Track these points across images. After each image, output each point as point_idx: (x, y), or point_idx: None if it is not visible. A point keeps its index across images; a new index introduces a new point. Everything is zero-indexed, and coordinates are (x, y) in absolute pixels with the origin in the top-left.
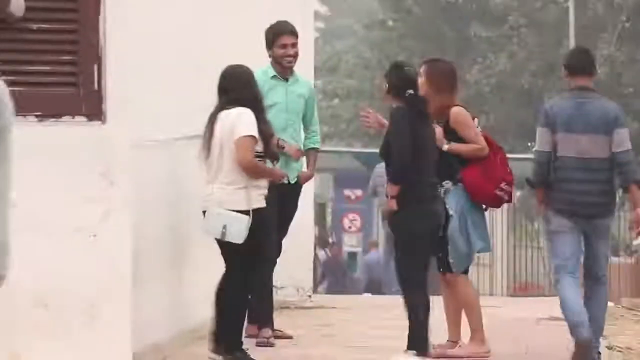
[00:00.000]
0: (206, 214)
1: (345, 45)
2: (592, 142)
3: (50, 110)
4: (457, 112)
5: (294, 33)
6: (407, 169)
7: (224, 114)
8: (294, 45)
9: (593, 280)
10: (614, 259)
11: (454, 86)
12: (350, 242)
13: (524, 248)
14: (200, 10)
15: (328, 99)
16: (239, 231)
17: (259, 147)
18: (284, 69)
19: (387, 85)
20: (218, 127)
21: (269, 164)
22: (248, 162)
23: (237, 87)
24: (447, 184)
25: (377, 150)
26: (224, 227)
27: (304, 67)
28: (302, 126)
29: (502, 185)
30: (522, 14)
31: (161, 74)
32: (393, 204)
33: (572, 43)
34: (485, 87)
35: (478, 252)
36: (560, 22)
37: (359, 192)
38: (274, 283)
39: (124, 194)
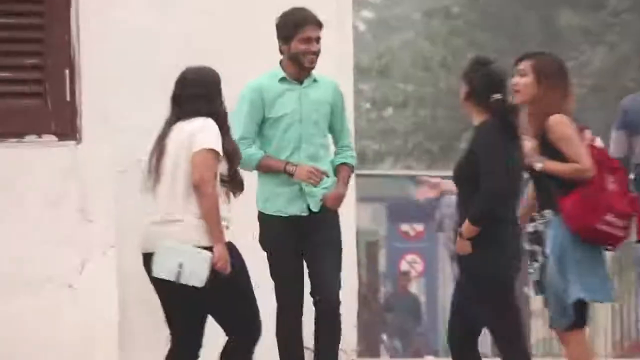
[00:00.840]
0: (157, 251)
1: (401, 40)
2: None
3: (10, 128)
4: (558, 120)
5: (319, 24)
6: (499, 209)
7: (177, 128)
8: (319, 40)
9: None
10: None
11: (567, 89)
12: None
13: (633, 296)
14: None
15: (378, 108)
16: (198, 270)
17: (224, 171)
18: (302, 70)
19: (467, 88)
20: (171, 145)
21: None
22: (205, 183)
23: (197, 95)
24: (549, 213)
25: (445, 173)
26: (180, 265)
27: (341, 69)
28: (326, 141)
29: (608, 217)
30: None
31: (150, 82)
32: (467, 247)
33: None
34: (580, 89)
35: (582, 301)
36: None
37: (420, 227)
38: (306, 344)
39: (105, 234)
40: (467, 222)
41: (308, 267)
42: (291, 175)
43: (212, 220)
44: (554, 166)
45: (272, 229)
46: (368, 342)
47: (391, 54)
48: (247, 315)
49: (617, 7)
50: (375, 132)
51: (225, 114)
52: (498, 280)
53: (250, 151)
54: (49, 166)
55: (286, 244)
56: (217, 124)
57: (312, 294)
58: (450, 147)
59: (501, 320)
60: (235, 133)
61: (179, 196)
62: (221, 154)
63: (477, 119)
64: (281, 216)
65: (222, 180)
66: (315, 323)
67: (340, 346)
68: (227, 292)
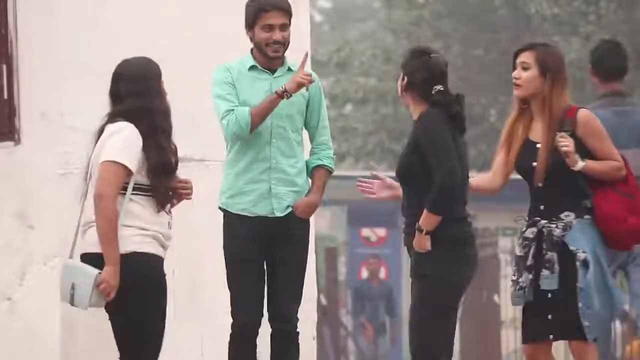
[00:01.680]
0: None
1: (360, 31)
2: (638, 158)
3: None
4: (589, 115)
5: (284, 10)
6: (455, 195)
7: (105, 131)
8: (284, 27)
9: None
10: None
11: (567, 81)
12: None
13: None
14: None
15: (337, 105)
16: (85, 291)
17: (145, 180)
18: (268, 60)
19: (406, 79)
20: (95, 150)
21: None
22: (101, 199)
23: (128, 93)
24: (568, 217)
25: (395, 171)
26: (72, 286)
27: (296, 63)
28: (299, 136)
29: None
30: None
31: (99, 79)
32: (427, 243)
33: None
34: None
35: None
36: None
37: (382, 232)
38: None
39: (47, 242)
40: (425, 213)
41: (268, 285)
42: (286, 93)
43: (104, 238)
44: (596, 165)
45: (236, 233)
46: (328, 356)
47: (350, 46)
48: (147, 342)
49: None
50: (335, 130)
51: (164, 112)
52: (453, 283)
53: (237, 113)
54: None
55: (250, 253)
56: (146, 125)
57: (269, 312)
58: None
59: (427, 328)
60: (219, 114)
61: (89, 202)
62: (129, 165)
63: (416, 111)
64: (247, 216)
65: (143, 190)
66: (272, 342)
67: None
68: (120, 316)
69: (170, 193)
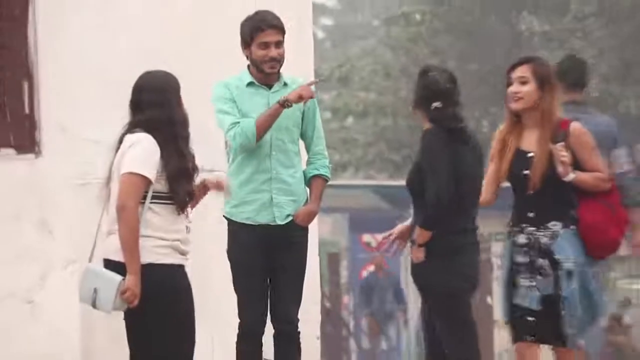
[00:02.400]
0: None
1: (361, 48)
2: None
3: None
4: (581, 129)
5: (278, 28)
6: (444, 213)
7: (124, 141)
8: (279, 44)
9: None
10: None
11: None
12: None
13: None
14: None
15: (339, 118)
16: (108, 296)
17: (164, 187)
18: (266, 76)
19: (413, 98)
20: (116, 159)
21: (167, 217)
22: (123, 210)
23: (149, 104)
24: (555, 226)
25: (405, 183)
26: (95, 290)
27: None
28: (296, 147)
29: (626, 230)
30: (588, 0)
31: (116, 92)
32: (420, 254)
33: None
34: None
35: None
36: (638, 7)
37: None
38: (267, 356)
39: (66, 248)
40: (418, 227)
41: (270, 289)
42: (288, 102)
43: (127, 247)
44: (585, 177)
45: (241, 240)
46: (331, 355)
47: (351, 62)
48: (161, 349)
49: (580, 12)
50: (336, 141)
51: (183, 122)
52: (449, 291)
53: (243, 125)
54: (8, 179)
55: (254, 259)
56: (166, 134)
57: (271, 314)
58: (412, 156)
59: (454, 336)
60: (224, 128)
61: (110, 211)
62: (148, 175)
63: (424, 127)
64: (250, 225)
65: (162, 198)
66: (275, 341)
67: (303, 359)
68: (136, 322)
69: (188, 198)
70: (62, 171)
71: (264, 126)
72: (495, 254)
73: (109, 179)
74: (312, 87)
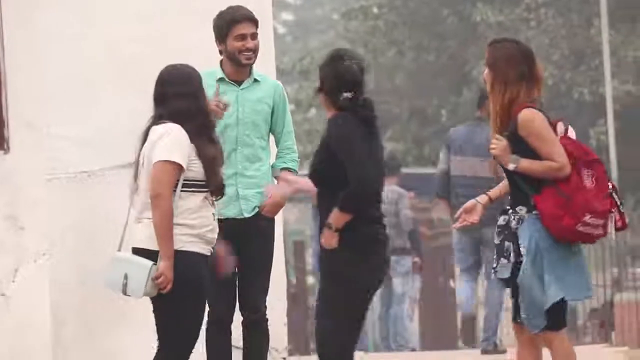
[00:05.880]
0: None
1: (321, 41)
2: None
3: None
4: (529, 116)
5: (252, 19)
6: (365, 196)
7: (152, 132)
8: (254, 36)
9: None
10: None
11: (526, 77)
12: None
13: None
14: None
15: (302, 110)
16: (139, 282)
17: (199, 175)
18: (240, 68)
19: (319, 83)
20: (145, 149)
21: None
22: (157, 198)
23: (173, 96)
24: (522, 210)
25: (308, 174)
26: (125, 276)
27: (262, 71)
28: (266, 143)
29: (587, 218)
30: None
31: (83, 89)
32: (334, 240)
33: (604, 22)
34: None
35: (562, 302)
36: None
37: None
38: (234, 343)
39: (37, 242)
40: (336, 211)
41: (238, 278)
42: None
43: (161, 234)
44: (528, 165)
45: None
46: (298, 341)
47: (312, 55)
48: (182, 332)
49: (533, 2)
50: (300, 133)
51: (207, 113)
52: (355, 285)
53: None
54: None
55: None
56: (198, 123)
57: (239, 303)
58: None
59: (336, 332)
60: None
61: (140, 200)
62: (182, 163)
63: (329, 112)
64: (217, 219)
65: (194, 185)
66: (243, 328)
67: (270, 345)
68: (167, 305)
69: (222, 185)
70: (31, 167)
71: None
72: None
73: (136, 172)
74: (277, 82)
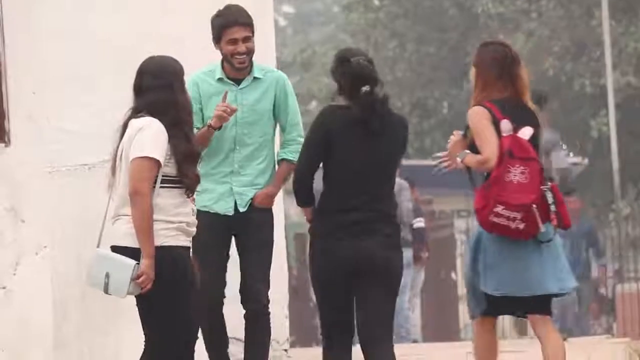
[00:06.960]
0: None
1: (322, 34)
2: None
3: None
4: (471, 112)
5: (245, 24)
6: (302, 186)
7: (130, 125)
8: (247, 39)
9: None
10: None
11: (504, 78)
12: None
13: None
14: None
15: (303, 102)
16: (121, 280)
17: (174, 171)
18: (236, 70)
19: (338, 88)
20: (123, 144)
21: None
22: (136, 194)
23: (152, 88)
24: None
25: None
26: (107, 275)
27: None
28: (267, 136)
29: (499, 209)
30: None
31: (83, 82)
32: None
33: (605, 13)
34: None
35: (496, 294)
36: None
37: None
38: (236, 336)
39: (37, 235)
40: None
41: (240, 269)
42: (211, 127)
43: (142, 232)
44: (469, 159)
45: (202, 223)
46: (299, 333)
47: (312, 48)
48: (167, 332)
49: None
50: (302, 125)
51: (186, 107)
52: (318, 275)
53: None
54: None
55: (210, 241)
56: (170, 117)
57: (240, 293)
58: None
59: (323, 314)
60: None
61: (119, 195)
62: (159, 158)
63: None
64: (208, 212)
65: (169, 181)
66: (245, 321)
67: (272, 337)
68: (157, 304)
69: (196, 181)
70: (32, 160)
71: (198, 144)
72: (459, 229)
73: (114, 165)
74: (280, 73)
